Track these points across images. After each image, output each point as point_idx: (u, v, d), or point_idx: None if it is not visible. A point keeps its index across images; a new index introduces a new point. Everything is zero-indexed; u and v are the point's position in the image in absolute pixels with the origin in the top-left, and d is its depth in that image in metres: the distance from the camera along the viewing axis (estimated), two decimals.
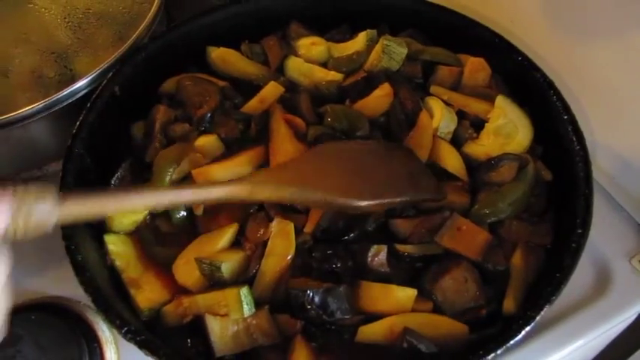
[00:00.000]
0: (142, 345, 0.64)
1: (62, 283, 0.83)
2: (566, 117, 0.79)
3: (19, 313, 0.78)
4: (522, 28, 0.93)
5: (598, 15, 0.82)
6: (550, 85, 0.82)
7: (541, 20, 0.92)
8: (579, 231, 0.69)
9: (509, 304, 0.69)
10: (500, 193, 0.76)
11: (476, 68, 0.88)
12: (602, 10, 0.81)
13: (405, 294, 0.69)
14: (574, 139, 0.77)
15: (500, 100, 0.83)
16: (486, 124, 0.83)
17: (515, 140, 0.81)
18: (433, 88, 0.87)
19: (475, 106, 0.84)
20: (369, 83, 0.87)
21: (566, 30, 0.89)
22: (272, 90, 0.88)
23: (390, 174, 0.73)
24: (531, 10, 0.93)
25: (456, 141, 0.83)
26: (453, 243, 0.72)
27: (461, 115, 0.85)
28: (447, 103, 0.85)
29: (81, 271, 0.69)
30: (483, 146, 0.81)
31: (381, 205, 0.72)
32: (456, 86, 0.88)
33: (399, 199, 0.72)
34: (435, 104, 0.84)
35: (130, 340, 0.64)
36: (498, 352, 0.62)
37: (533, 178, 0.77)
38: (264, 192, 0.67)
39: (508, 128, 0.82)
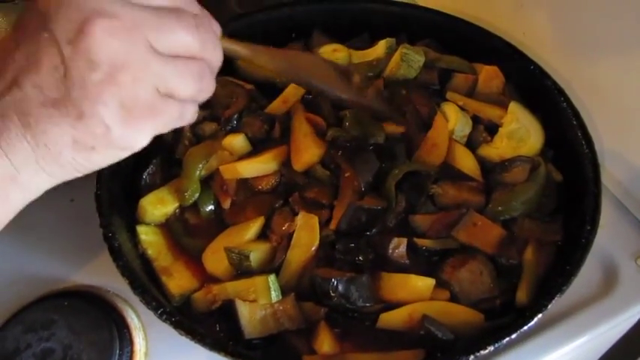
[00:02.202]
0: (177, 325, 0.67)
1: (93, 273, 0.87)
2: (575, 122, 0.84)
3: (53, 299, 0.82)
4: (534, 40, 0.98)
5: (607, 29, 0.86)
6: (561, 92, 0.87)
7: (551, 33, 0.97)
8: (588, 227, 0.74)
9: (521, 296, 0.73)
10: (514, 192, 0.80)
11: (490, 76, 0.92)
12: (612, 24, 0.85)
13: (424, 283, 0.72)
14: (583, 143, 0.82)
15: (514, 106, 0.87)
16: (500, 129, 0.87)
17: (528, 144, 0.85)
18: (449, 94, 0.91)
19: (489, 112, 0.89)
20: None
21: (576, 43, 0.94)
22: (293, 91, 0.92)
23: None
24: (542, 24, 0.98)
25: (471, 144, 0.87)
26: (468, 238, 0.76)
27: (475, 120, 0.89)
28: (462, 109, 0.89)
29: (118, 256, 0.73)
30: (497, 149, 0.85)
31: (358, 102, 0.81)
32: (470, 93, 0.93)
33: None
34: (450, 109, 0.88)
35: (165, 320, 0.68)
36: (513, 336, 0.65)
37: (545, 179, 0.81)
38: (263, 57, 0.69)
39: (521, 133, 0.86)
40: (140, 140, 0.48)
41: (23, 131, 0.44)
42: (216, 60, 0.52)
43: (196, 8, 0.51)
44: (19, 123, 0.44)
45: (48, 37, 0.43)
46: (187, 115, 0.52)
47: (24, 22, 0.46)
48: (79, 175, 0.49)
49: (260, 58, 0.66)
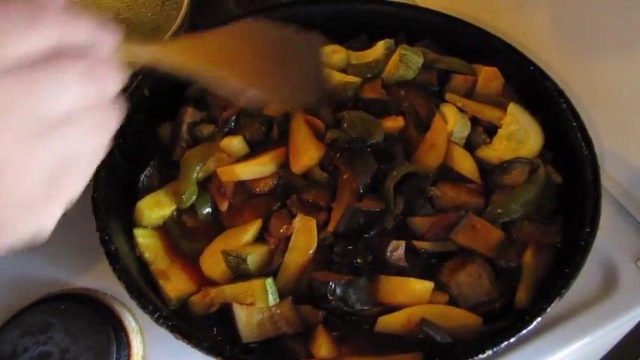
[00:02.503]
0: (174, 329, 0.67)
1: (90, 276, 0.87)
2: (575, 124, 0.83)
3: (50, 302, 0.82)
4: (533, 41, 0.97)
5: (607, 29, 0.86)
6: (560, 93, 0.86)
7: (551, 34, 0.96)
8: (588, 229, 0.73)
9: (520, 299, 0.73)
10: (513, 194, 0.79)
11: (489, 77, 0.92)
12: (612, 25, 0.85)
13: (423, 286, 0.72)
14: (583, 144, 0.81)
15: (513, 108, 0.87)
16: (499, 130, 0.86)
17: (527, 146, 0.85)
18: (448, 96, 0.91)
19: (488, 113, 0.88)
20: (387, 107, 0.90)
21: (576, 43, 0.94)
22: None
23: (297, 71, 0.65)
24: (542, 25, 0.97)
25: (470, 146, 0.87)
26: (467, 240, 0.76)
27: (474, 121, 0.88)
28: (461, 110, 0.88)
29: (115, 260, 0.72)
30: (496, 151, 0.85)
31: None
32: (470, 94, 0.92)
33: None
34: (449, 110, 0.88)
35: (162, 324, 0.68)
36: (512, 340, 0.65)
37: (544, 181, 0.81)
38: (175, 58, 0.52)
39: (520, 134, 0.86)
40: (45, 223, 0.41)
41: None
42: (116, 89, 0.41)
43: (80, 33, 0.39)
44: None
45: None
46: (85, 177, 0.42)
47: None
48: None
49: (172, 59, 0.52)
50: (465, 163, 0.84)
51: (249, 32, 0.62)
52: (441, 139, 0.84)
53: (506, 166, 0.82)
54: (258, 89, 0.58)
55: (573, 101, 0.86)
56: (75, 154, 0.39)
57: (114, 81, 0.41)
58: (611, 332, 0.84)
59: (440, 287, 0.73)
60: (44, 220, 0.40)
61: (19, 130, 0.35)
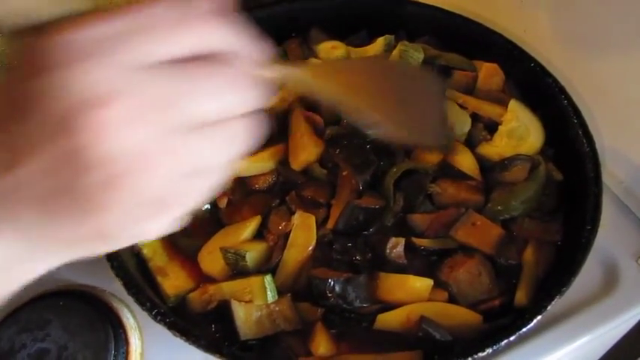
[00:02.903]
0: (171, 326, 0.67)
1: (89, 273, 0.86)
2: (576, 120, 0.83)
3: (48, 298, 0.81)
4: (535, 37, 0.97)
5: (609, 26, 0.85)
6: (561, 90, 0.86)
7: (553, 30, 0.96)
8: (589, 227, 0.73)
9: (520, 297, 0.72)
10: (513, 192, 0.79)
11: (490, 73, 0.91)
12: (613, 21, 0.84)
13: (422, 284, 0.72)
14: (584, 141, 0.81)
15: (513, 105, 0.86)
16: (500, 127, 0.86)
17: (527, 142, 0.84)
18: (448, 92, 0.90)
19: (489, 110, 0.88)
20: None
21: (578, 40, 0.93)
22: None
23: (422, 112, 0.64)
24: (543, 21, 0.97)
25: (470, 142, 0.86)
26: (467, 237, 0.75)
27: (475, 118, 0.88)
28: (461, 107, 0.88)
29: (112, 256, 0.72)
30: (496, 147, 0.84)
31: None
32: (470, 90, 0.92)
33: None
34: (449, 107, 0.87)
35: (159, 321, 0.67)
36: (511, 338, 0.65)
37: (545, 178, 0.80)
38: (317, 83, 0.51)
39: (520, 131, 0.85)
40: (154, 232, 0.39)
41: (12, 226, 0.37)
42: (258, 104, 0.39)
43: (230, 40, 0.37)
44: (6, 217, 0.37)
45: (29, 133, 0.34)
46: (210, 187, 0.40)
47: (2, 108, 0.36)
48: (76, 259, 0.41)
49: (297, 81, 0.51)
50: (465, 160, 0.83)
51: (379, 67, 0.64)
52: None
53: (506, 163, 0.81)
54: (390, 124, 0.57)
55: (574, 98, 0.85)
56: (206, 163, 0.37)
57: (257, 96, 0.39)
58: (612, 330, 0.83)
59: (439, 285, 0.73)
60: (153, 227, 0.38)
61: (162, 124, 0.34)
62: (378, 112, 0.57)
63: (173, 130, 0.34)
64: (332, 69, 0.55)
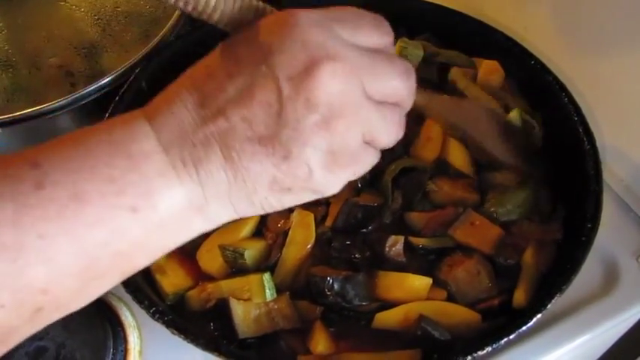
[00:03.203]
0: (169, 324, 0.66)
1: None
2: (577, 118, 0.82)
3: None
4: (535, 35, 0.96)
5: (610, 23, 0.85)
6: (562, 87, 0.85)
7: (553, 28, 0.95)
8: (589, 225, 0.72)
9: (519, 297, 0.71)
10: (507, 194, 0.78)
11: (490, 70, 0.90)
12: (615, 19, 0.84)
13: (421, 282, 0.71)
14: (585, 139, 0.80)
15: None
16: None
17: None
18: (453, 71, 0.90)
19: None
20: None
21: (579, 38, 0.92)
22: None
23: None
24: (544, 18, 0.96)
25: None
26: (466, 237, 0.75)
27: None
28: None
29: None
30: None
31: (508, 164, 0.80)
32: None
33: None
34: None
35: (157, 320, 0.67)
36: (511, 337, 0.64)
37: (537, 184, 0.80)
38: (441, 111, 0.72)
39: None
40: (335, 186, 0.46)
41: (224, 164, 0.42)
42: (410, 107, 0.49)
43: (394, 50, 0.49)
44: (221, 154, 0.42)
45: (266, 72, 0.41)
46: (373, 163, 0.48)
47: (238, 53, 0.43)
48: (262, 213, 0.46)
49: (432, 109, 0.67)
50: (458, 157, 0.83)
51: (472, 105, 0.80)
52: (436, 132, 0.83)
53: (498, 164, 0.81)
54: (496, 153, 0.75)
55: (575, 95, 0.85)
56: (378, 136, 0.45)
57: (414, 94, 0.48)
58: (612, 329, 0.83)
59: (438, 283, 0.72)
60: (334, 183, 0.45)
61: (358, 91, 0.42)
62: (483, 141, 0.74)
63: (367, 97, 0.43)
64: (450, 101, 0.70)
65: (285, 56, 0.41)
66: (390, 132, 0.46)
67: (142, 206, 0.41)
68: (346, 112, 0.42)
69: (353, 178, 0.46)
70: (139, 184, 0.41)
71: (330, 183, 0.45)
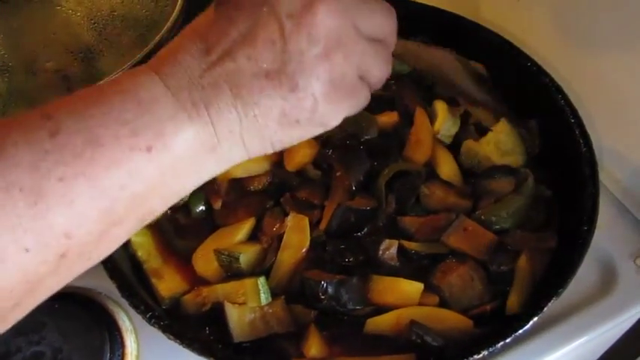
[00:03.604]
0: (165, 329, 0.66)
1: (84, 275, 0.84)
2: (573, 120, 0.82)
3: (43, 301, 0.81)
4: (531, 37, 0.96)
5: (607, 25, 0.85)
6: (558, 89, 0.85)
7: (550, 30, 0.95)
8: (586, 227, 0.72)
9: (512, 304, 0.71)
10: (501, 202, 0.78)
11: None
12: (611, 20, 0.83)
13: (413, 287, 0.71)
14: (581, 141, 0.80)
15: (503, 125, 0.86)
16: (489, 133, 0.85)
17: (512, 158, 0.84)
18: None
19: (480, 114, 0.88)
20: (381, 102, 0.89)
21: (575, 40, 0.92)
22: None
23: None
24: (540, 20, 0.96)
25: (458, 139, 0.86)
26: (459, 243, 0.74)
27: (466, 121, 0.88)
28: (456, 105, 0.88)
29: (107, 259, 0.71)
30: (484, 149, 0.84)
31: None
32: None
33: None
34: (439, 107, 0.87)
35: (153, 324, 0.67)
36: (507, 340, 0.64)
37: (532, 191, 0.79)
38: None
39: (508, 146, 0.85)
40: (336, 118, 0.49)
41: (234, 101, 0.44)
42: (394, 46, 0.53)
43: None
44: (230, 93, 0.44)
45: (267, 12, 0.44)
46: (366, 101, 0.52)
47: (240, 1, 0.46)
48: (271, 151, 0.49)
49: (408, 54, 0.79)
50: (445, 166, 0.83)
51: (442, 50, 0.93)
52: (425, 134, 0.83)
53: (492, 173, 0.81)
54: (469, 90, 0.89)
55: (571, 97, 0.84)
56: (370, 70, 0.49)
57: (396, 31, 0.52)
58: (610, 331, 0.83)
59: (431, 289, 0.72)
60: (335, 114, 0.48)
61: (352, 27, 0.46)
62: None
63: (359, 31, 0.47)
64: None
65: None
66: (381, 66, 0.50)
67: (156, 146, 0.42)
68: (343, 44, 0.45)
69: (351, 112, 0.50)
70: (151, 125, 0.42)
71: (332, 114, 0.48)
